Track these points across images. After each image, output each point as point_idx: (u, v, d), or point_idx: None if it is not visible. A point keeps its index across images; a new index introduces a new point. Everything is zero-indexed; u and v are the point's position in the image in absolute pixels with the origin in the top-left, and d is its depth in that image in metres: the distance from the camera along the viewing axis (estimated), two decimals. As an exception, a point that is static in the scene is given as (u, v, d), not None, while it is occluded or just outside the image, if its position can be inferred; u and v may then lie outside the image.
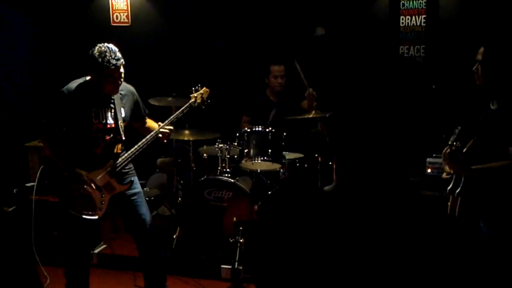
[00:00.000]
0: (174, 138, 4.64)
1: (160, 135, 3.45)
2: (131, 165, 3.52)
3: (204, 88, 3.85)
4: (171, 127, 3.52)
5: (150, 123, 3.65)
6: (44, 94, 5.80)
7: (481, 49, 2.86)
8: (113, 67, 3.14)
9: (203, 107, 3.82)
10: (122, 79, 3.28)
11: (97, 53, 3.13)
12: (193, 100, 3.73)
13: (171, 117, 3.56)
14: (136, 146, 3.39)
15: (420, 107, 1.06)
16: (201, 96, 3.78)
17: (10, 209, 4.44)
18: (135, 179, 3.52)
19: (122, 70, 3.23)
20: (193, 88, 3.82)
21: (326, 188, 1.12)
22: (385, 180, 1.07)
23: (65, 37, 6.06)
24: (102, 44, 3.18)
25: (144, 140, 3.41)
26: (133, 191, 3.46)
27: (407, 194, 1.09)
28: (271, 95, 4.96)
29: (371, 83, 1.05)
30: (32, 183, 4.32)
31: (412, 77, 1.07)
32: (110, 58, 3.12)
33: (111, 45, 3.20)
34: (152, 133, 3.44)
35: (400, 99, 1.05)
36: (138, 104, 3.55)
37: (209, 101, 3.84)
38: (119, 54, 3.19)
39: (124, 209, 3.49)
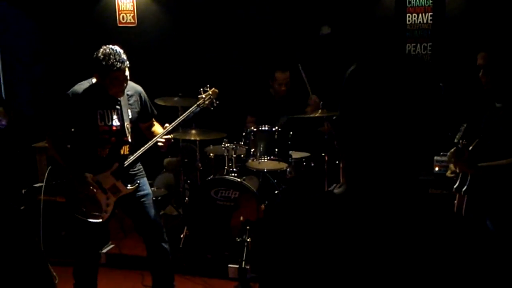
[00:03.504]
0: (180, 138, 4.65)
1: (159, 144, 3.38)
2: (140, 167, 3.51)
3: (213, 88, 3.72)
4: (169, 137, 3.42)
5: (156, 127, 3.60)
6: (51, 95, 5.83)
7: (481, 54, 2.85)
8: (117, 70, 3.11)
9: (212, 108, 3.75)
10: (127, 82, 3.27)
11: (102, 56, 3.10)
12: (200, 101, 3.64)
13: (178, 119, 3.53)
14: (141, 149, 3.38)
15: (427, 107, 1.05)
16: (210, 97, 3.68)
17: (20, 209, 4.48)
18: (144, 180, 3.51)
19: (127, 72, 3.21)
20: (201, 89, 3.72)
21: (336, 191, 1.11)
22: (395, 180, 1.06)
23: (71, 38, 6.09)
24: (107, 46, 3.15)
25: (150, 142, 3.38)
26: (142, 192, 3.46)
27: (417, 195, 1.08)
28: (276, 95, 4.96)
29: (378, 83, 1.04)
30: (40, 184, 4.34)
31: (420, 76, 1.06)
32: (115, 60, 3.09)
33: (116, 47, 3.17)
34: (156, 137, 3.39)
35: (407, 98, 1.04)
36: (146, 104, 3.53)
37: (217, 102, 3.73)
38: (124, 56, 3.16)
39: (133, 211, 3.50)
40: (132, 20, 5.93)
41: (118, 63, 3.11)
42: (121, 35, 5.83)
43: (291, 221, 1.11)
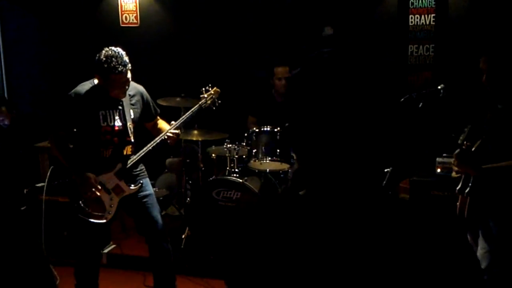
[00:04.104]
0: (183, 138, 4.65)
1: (166, 137, 3.40)
2: (142, 167, 3.51)
3: (215, 88, 3.72)
4: (178, 131, 3.45)
5: (161, 124, 3.60)
6: (54, 95, 5.84)
7: (483, 58, 2.85)
8: (119, 73, 3.12)
9: (214, 108, 3.75)
10: (129, 84, 3.26)
11: (104, 58, 3.10)
12: (203, 101, 3.64)
13: (181, 119, 3.53)
14: (144, 148, 3.38)
15: (373, 106, 1.07)
16: (212, 97, 3.67)
17: (21, 209, 4.48)
18: (146, 180, 3.51)
19: (129, 75, 3.21)
20: (203, 89, 3.72)
21: (301, 192, 1.15)
22: (347, 180, 1.09)
23: (75, 38, 6.10)
24: (110, 48, 3.15)
25: (152, 142, 3.38)
26: (145, 193, 3.45)
27: (369, 195, 1.11)
28: (277, 95, 4.95)
29: (321, 86, 1.06)
30: (42, 184, 4.34)
31: (364, 77, 1.07)
32: (116, 63, 3.09)
33: (118, 49, 3.16)
34: (160, 135, 3.42)
35: (351, 100, 1.05)
36: (149, 104, 3.53)
37: (219, 101, 3.73)
38: (126, 59, 3.15)
39: (135, 211, 3.49)
40: (135, 21, 5.93)
41: (120, 66, 3.10)
42: (124, 36, 5.83)
43: (260, 219, 1.15)
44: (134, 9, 5.91)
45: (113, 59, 3.09)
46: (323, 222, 0.85)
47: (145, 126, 3.59)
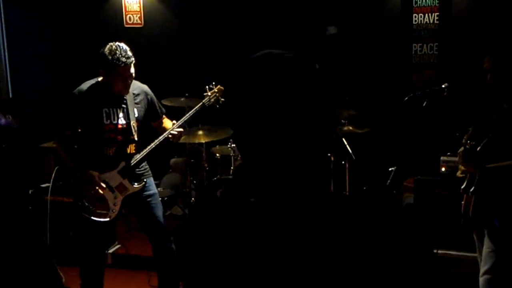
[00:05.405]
0: (187, 142, 4.63)
1: (170, 136, 3.41)
2: (146, 166, 3.52)
3: (219, 86, 3.72)
4: (181, 129, 3.46)
5: (167, 123, 3.61)
6: (59, 96, 5.86)
7: (487, 57, 2.85)
8: (123, 65, 3.14)
9: (218, 106, 3.75)
10: (132, 79, 3.28)
11: (108, 51, 3.14)
12: (206, 99, 3.64)
13: (184, 117, 3.54)
14: (148, 147, 3.39)
15: (311, 107, 1.06)
16: (215, 95, 3.67)
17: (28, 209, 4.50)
18: (150, 180, 3.52)
19: (132, 69, 3.23)
20: (207, 87, 3.72)
21: (252, 199, 1.15)
22: (293, 184, 1.09)
23: (79, 39, 6.11)
24: (113, 42, 3.19)
25: (156, 141, 3.40)
26: (149, 192, 3.46)
27: (315, 197, 1.11)
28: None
29: (258, 90, 1.06)
30: (47, 184, 4.36)
31: (298, 79, 1.07)
32: (120, 56, 3.12)
33: (122, 44, 3.20)
34: (163, 134, 3.43)
35: (288, 102, 1.05)
36: (154, 104, 3.54)
37: (223, 99, 3.70)
38: (129, 53, 3.18)
39: (139, 210, 3.51)
40: (139, 21, 5.95)
41: (124, 58, 3.14)
42: (128, 36, 5.83)
43: (210, 228, 1.16)
44: (138, 10, 5.93)
45: (117, 52, 3.13)
46: (276, 227, 0.86)
47: (152, 126, 3.61)
